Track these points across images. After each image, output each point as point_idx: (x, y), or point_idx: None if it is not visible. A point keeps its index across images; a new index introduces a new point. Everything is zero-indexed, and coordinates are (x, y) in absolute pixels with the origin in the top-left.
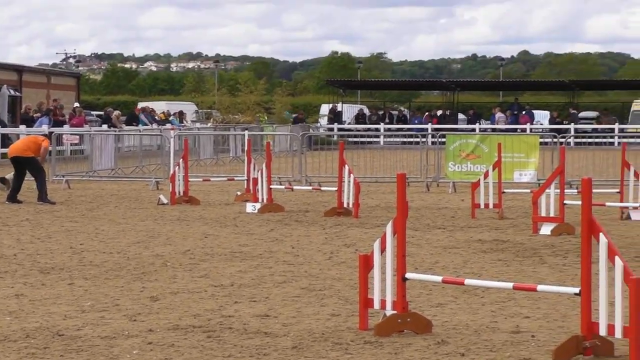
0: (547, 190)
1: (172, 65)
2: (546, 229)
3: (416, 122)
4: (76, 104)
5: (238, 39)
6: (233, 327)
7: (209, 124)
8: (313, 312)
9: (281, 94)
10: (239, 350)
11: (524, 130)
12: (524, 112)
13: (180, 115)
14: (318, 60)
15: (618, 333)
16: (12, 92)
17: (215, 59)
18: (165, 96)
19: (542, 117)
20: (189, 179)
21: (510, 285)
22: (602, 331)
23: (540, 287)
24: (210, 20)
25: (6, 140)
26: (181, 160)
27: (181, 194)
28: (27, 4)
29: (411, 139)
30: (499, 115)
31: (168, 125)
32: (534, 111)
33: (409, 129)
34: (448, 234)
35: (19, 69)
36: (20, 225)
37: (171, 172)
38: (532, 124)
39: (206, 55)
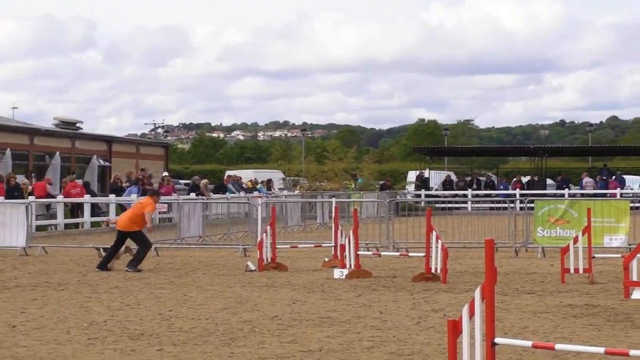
0: (638, 255)
1: (259, 134)
2: (638, 294)
3: (502, 187)
4: (165, 173)
5: (324, 107)
6: None
7: (296, 192)
8: None
9: (368, 161)
10: None
11: (613, 195)
12: (614, 177)
13: (268, 183)
14: (405, 127)
15: None
16: (101, 162)
17: (302, 128)
18: (253, 164)
19: (633, 182)
20: (277, 246)
21: (602, 350)
22: None
23: (632, 352)
24: (296, 90)
25: (95, 209)
26: (269, 227)
27: (269, 260)
28: (117, 76)
29: (499, 204)
30: (586, 180)
31: (255, 193)
32: (624, 176)
33: (497, 195)
34: (538, 299)
35: (108, 140)
36: (109, 292)
37: (259, 239)
38: (622, 189)
39: (293, 123)
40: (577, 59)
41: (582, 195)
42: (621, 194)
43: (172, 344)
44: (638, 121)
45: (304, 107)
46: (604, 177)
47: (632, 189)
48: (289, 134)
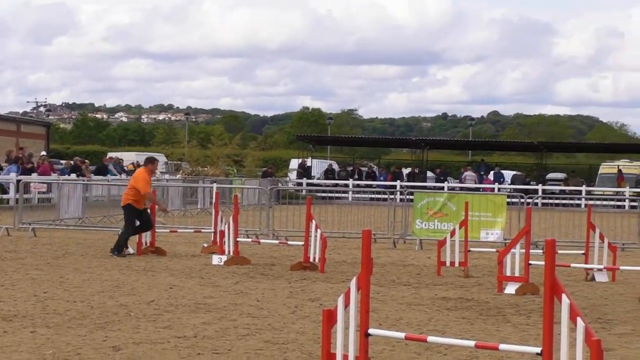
0: (512, 250)
1: (142, 117)
2: (511, 289)
3: (382, 178)
4: (43, 153)
5: (210, 92)
6: None
7: (178, 176)
8: None
9: (254, 148)
10: None
11: (492, 190)
12: (492, 172)
13: None
14: (289, 115)
15: None
16: None
17: (186, 112)
18: (135, 147)
19: (507, 177)
20: (156, 230)
21: (472, 343)
22: None
23: (502, 346)
24: (182, 73)
25: None
26: (149, 211)
27: (148, 244)
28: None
29: (379, 195)
30: (467, 173)
31: None
32: (503, 171)
33: (377, 186)
34: (413, 291)
35: None
36: None
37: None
38: (500, 184)
39: (177, 107)
40: (461, 53)
41: (462, 189)
42: (499, 189)
43: (46, 326)
44: (518, 117)
45: (189, 91)
46: (482, 172)
47: (509, 184)
48: (173, 118)
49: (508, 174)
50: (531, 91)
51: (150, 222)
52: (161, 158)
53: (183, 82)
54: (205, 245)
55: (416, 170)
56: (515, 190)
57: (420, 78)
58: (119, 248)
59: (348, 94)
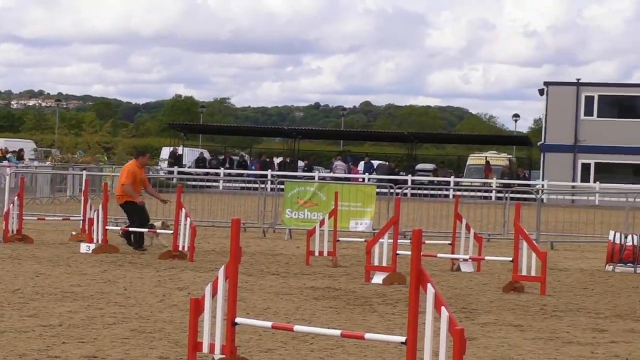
0: (380, 240)
1: (12, 103)
2: (378, 278)
3: (253, 168)
4: None
5: (81, 78)
6: None
7: (47, 163)
8: (142, 354)
9: (125, 135)
10: None
11: (362, 180)
12: (362, 162)
13: (19, 152)
14: (161, 103)
15: None
16: None
17: (57, 98)
18: (4, 133)
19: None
20: (24, 217)
21: (338, 332)
22: None
23: (367, 335)
24: (54, 59)
25: None
26: (16, 197)
27: (14, 232)
28: None
29: (250, 185)
30: (337, 163)
31: (5, 163)
32: (373, 161)
33: (248, 175)
34: (281, 280)
35: None
36: None
37: (5, 209)
38: (371, 174)
39: (48, 93)
40: (336, 43)
41: (332, 178)
42: (369, 179)
43: None
44: (390, 107)
45: (61, 77)
46: (350, 163)
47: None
48: (44, 104)
49: (376, 165)
50: (404, 82)
51: (147, 224)
52: (30, 145)
53: (54, 68)
54: (74, 233)
55: (287, 160)
56: (384, 180)
57: (294, 67)
58: (139, 243)
59: (222, 82)
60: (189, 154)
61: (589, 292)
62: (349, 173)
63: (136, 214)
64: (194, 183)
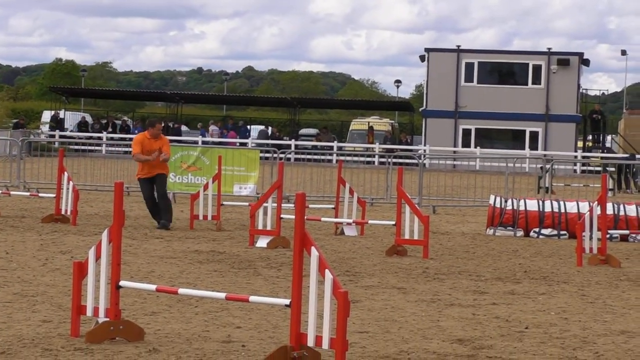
0: (264, 204)
1: None
2: (262, 242)
3: (136, 132)
4: None
5: None
6: None
7: None
8: (24, 318)
9: (3, 97)
10: None
11: (245, 144)
12: (240, 127)
13: None
14: (42, 66)
15: (325, 344)
16: None
17: None
18: None
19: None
20: None
21: (222, 295)
22: (310, 342)
23: (252, 298)
24: None
25: None
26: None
27: None
28: None
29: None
30: (212, 127)
31: None
32: (251, 126)
33: (131, 139)
34: (166, 244)
35: None
36: None
37: None
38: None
39: None
40: (219, 9)
41: (214, 143)
42: (253, 144)
43: None
44: (272, 72)
45: None
46: (227, 128)
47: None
48: None
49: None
50: (287, 48)
51: (161, 198)
52: None
53: None
54: None
55: (170, 125)
56: (268, 145)
57: (178, 32)
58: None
59: (104, 46)
60: (71, 118)
61: (470, 255)
62: (225, 137)
63: (143, 192)
64: (76, 147)
